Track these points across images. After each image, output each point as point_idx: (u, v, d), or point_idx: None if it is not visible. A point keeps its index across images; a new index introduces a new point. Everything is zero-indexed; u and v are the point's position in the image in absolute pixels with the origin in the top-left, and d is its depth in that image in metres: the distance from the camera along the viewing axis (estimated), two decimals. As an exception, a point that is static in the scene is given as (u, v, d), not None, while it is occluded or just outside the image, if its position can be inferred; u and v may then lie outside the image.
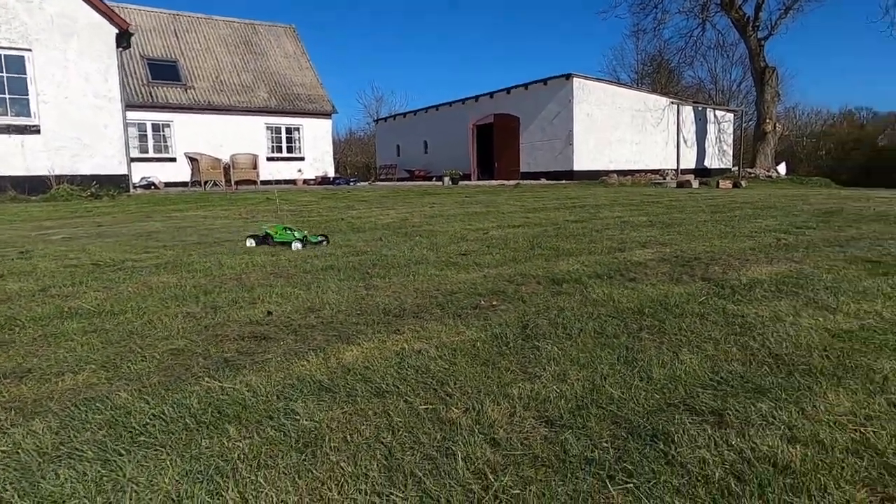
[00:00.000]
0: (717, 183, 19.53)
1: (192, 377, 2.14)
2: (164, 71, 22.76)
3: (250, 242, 5.48)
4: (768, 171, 25.31)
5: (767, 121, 25.80)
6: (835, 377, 2.10)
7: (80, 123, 14.65)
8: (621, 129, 24.15)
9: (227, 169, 18.72)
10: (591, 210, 9.08)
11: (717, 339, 2.53)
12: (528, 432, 1.73)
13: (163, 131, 22.34)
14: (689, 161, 26.22)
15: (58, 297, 3.42)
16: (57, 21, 14.30)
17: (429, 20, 77.83)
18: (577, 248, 5.10)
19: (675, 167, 24.89)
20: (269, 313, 3.01)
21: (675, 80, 36.23)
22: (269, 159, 24.17)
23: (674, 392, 2.00)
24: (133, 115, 20.49)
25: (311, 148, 25.38)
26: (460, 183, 21.26)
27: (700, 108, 27.54)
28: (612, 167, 23.30)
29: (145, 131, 21.96)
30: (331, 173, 25.52)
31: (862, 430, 1.70)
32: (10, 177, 13.81)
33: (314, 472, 1.52)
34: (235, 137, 23.08)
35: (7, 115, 13.90)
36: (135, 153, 20.72)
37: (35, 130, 14.17)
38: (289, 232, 5.44)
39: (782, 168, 26.74)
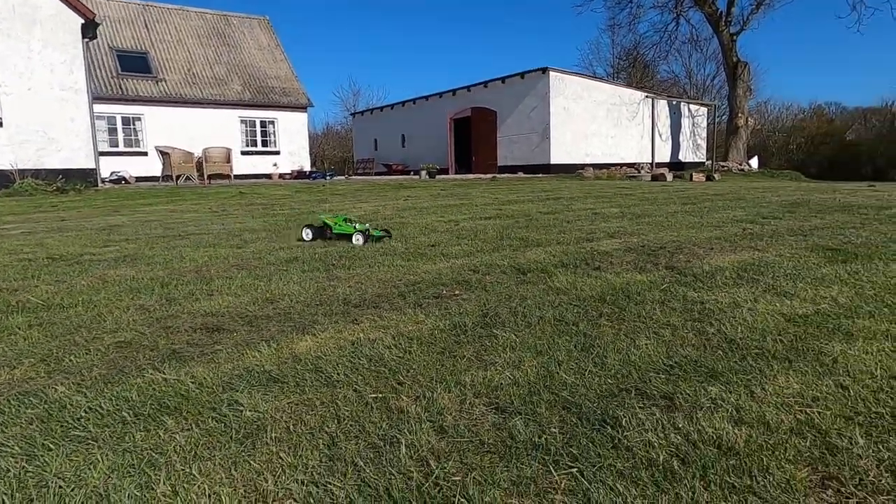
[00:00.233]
0: (691, 176, 19.80)
1: (136, 369, 2.07)
2: (134, 63, 22.22)
3: (307, 233, 5.06)
4: (741, 164, 25.73)
5: (740, 115, 26.20)
6: (786, 360, 2.11)
7: (44, 116, 14.24)
8: (597, 122, 24.31)
9: (199, 163, 18.39)
10: (565, 202, 9.10)
11: (674, 326, 2.54)
12: (477, 419, 1.70)
13: (133, 125, 21.82)
14: (663, 155, 26.52)
15: (5, 292, 3.30)
16: (19, 10, 13.85)
17: (406, 13, 77.32)
18: (546, 238, 5.09)
19: (650, 161, 25.16)
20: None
21: (651, 74, 36.59)
22: (243, 153, 23.79)
23: (627, 377, 1.99)
24: (102, 108, 19.99)
25: (287, 142, 25.05)
26: (438, 177, 21.19)
27: (674, 103, 27.85)
28: (588, 161, 23.45)
29: (115, 125, 21.43)
30: (307, 167, 25.24)
31: (808, 411, 1.71)
32: (-30, 171, 13.38)
33: (252, 462, 1.47)
34: (209, 131, 22.65)
35: (-33, 107, 13.45)
36: (104, 147, 20.22)
37: (-3, 123, 13.73)
38: (349, 224, 4.97)
39: (755, 162, 27.21)
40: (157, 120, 21.87)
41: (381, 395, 1.86)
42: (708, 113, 29.48)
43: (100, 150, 19.29)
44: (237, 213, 8.34)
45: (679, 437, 1.57)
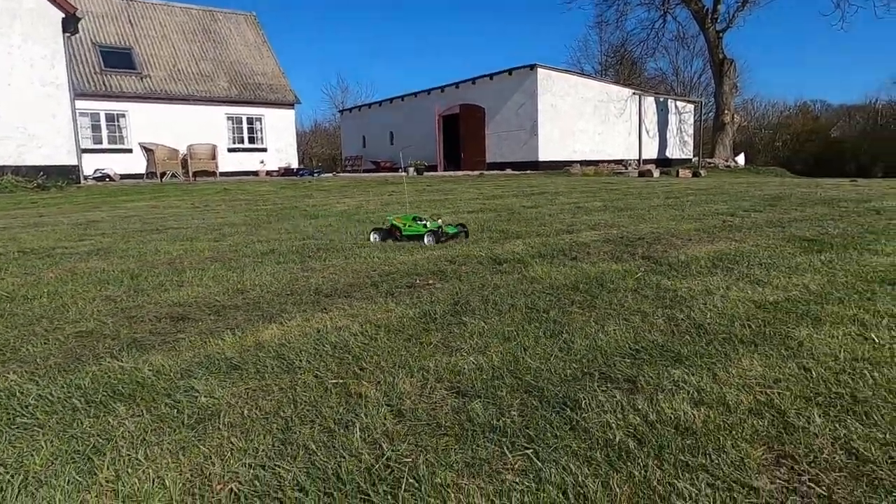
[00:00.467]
0: (677, 172, 19.89)
1: (93, 358, 2.02)
2: (118, 59, 21.92)
3: (374, 237, 4.56)
4: (727, 160, 25.89)
5: (726, 112, 26.36)
6: (752, 344, 2.11)
7: (25, 112, 14.03)
8: (585, 119, 24.36)
9: (185, 160, 18.21)
10: (549, 197, 9.11)
11: (645, 312, 2.53)
12: (437, 403, 1.68)
13: (117, 121, 21.53)
14: (651, 151, 26.64)
15: (-30, 284, 3.23)
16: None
17: (395, 9, 77.03)
18: (527, 230, 5.08)
19: (638, 157, 25.26)
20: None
21: (638, 71, 36.70)
22: (230, 150, 23.57)
23: (592, 362, 1.97)
24: (85, 105, 19.72)
25: (274, 139, 24.86)
26: (426, 174, 21.14)
27: (662, 99, 27.97)
28: (576, 157, 23.49)
29: (99, 121, 21.13)
30: (294, 165, 25.07)
31: (768, 392, 1.70)
32: (-52, 168, 13.16)
33: (201, 447, 1.44)
34: (195, 128, 22.40)
35: (-56, 102, 13.23)
36: (88, 144, 19.95)
37: (-24, 119, 13.52)
38: (419, 223, 4.48)
39: (741, 158, 27.40)
40: (142, 117, 21.60)
41: (341, 381, 1.83)
42: (695, 110, 29.64)
43: (84, 147, 19.06)
44: (219, 208, 8.26)
45: (638, 419, 1.56)
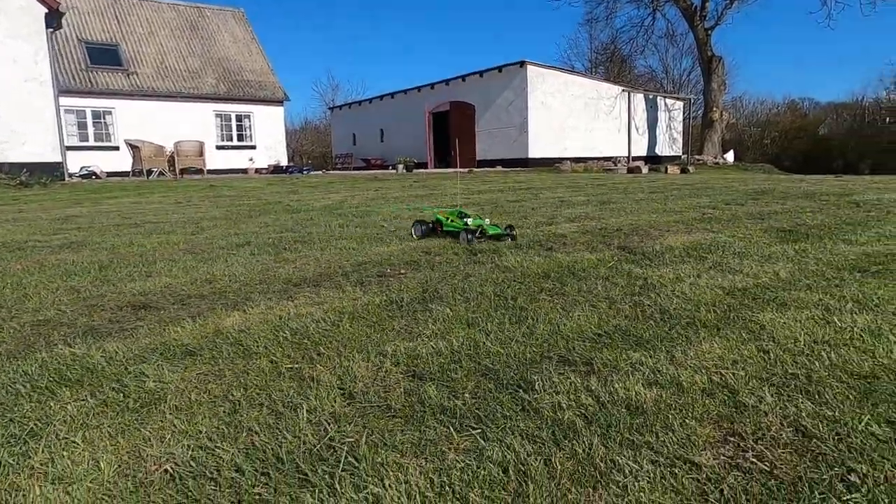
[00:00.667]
0: (666, 169, 19.95)
1: (46, 345, 1.99)
2: (104, 55, 21.71)
3: (416, 230, 4.26)
4: (716, 157, 26.01)
5: (714, 109, 26.46)
6: (715, 328, 2.10)
7: (8, 108, 13.86)
8: (575, 116, 24.38)
9: (172, 157, 18.07)
10: (534, 192, 9.10)
11: (613, 299, 2.52)
12: (391, 386, 1.66)
13: (104, 119, 21.33)
14: (640, 148, 26.70)
15: (-66, 275, 3.17)
16: (-21, -1, 13.46)
17: (384, 5, 76.74)
18: (507, 222, 5.05)
19: (627, 154, 25.32)
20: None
21: (628, 69, 36.79)
22: (218, 148, 23.41)
23: (553, 346, 1.96)
24: (71, 102, 19.53)
25: (263, 136, 24.72)
26: (415, 171, 21.10)
27: (651, 97, 28.04)
28: (566, 154, 23.51)
29: (85, 118, 20.92)
30: (284, 162, 24.94)
31: (723, 372, 1.69)
32: (-71, 165, 12.99)
33: (142, 430, 1.41)
34: (183, 125, 22.23)
35: (-75, 98, 13.05)
36: (73, 141, 19.76)
37: (-43, 115, 13.34)
38: (462, 220, 4.08)
39: (730, 156, 27.53)
40: (129, 114, 21.40)
41: (296, 366, 1.81)
42: (684, 107, 29.74)
43: (69, 144, 18.87)
44: (202, 203, 8.19)
45: (590, 399, 1.54)
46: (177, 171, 17.68)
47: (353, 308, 2.41)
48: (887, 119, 31.67)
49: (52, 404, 1.53)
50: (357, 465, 1.25)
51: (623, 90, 26.09)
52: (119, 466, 1.26)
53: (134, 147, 17.34)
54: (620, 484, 1.17)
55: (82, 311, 2.42)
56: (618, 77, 33.95)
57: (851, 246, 3.68)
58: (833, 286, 2.66)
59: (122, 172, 20.05)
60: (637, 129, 26.51)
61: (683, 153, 27.78)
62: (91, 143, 21.08)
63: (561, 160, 22.38)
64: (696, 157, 25.33)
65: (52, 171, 14.30)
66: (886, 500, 1.10)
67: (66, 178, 15.03)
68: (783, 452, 1.28)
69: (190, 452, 1.30)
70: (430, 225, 4.26)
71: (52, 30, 14.72)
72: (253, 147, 24.69)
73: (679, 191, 8.76)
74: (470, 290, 2.69)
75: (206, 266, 3.35)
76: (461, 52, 72.71)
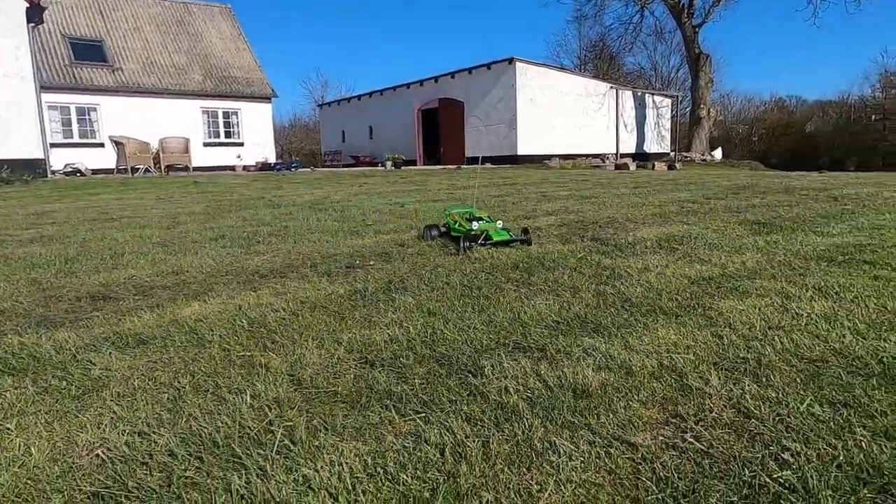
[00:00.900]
0: (653, 166, 20.04)
1: (-4, 334, 1.95)
2: (89, 51, 21.46)
3: (428, 237, 3.77)
4: (703, 154, 26.15)
5: (702, 106, 26.61)
6: (674, 315, 2.11)
7: (-12, 104, 13.68)
8: (563, 114, 24.41)
9: (157, 154, 17.91)
10: (519, 187, 9.10)
11: (577, 288, 2.52)
12: (341, 372, 1.65)
13: (89, 115, 21.09)
14: (628, 145, 26.80)
15: None
16: (-42, -7, 13.26)
17: (373, 3, 76.44)
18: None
19: (615, 151, 25.40)
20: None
21: (617, 66, 36.90)
22: (206, 145, 23.22)
23: (510, 333, 1.95)
24: (54, 98, 19.30)
25: (251, 133, 24.55)
26: (403, 168, 21.05)
27: (639, 94, 28.14)
28: (554, 151, 23.55)
29: (69, 115, 20.67)
30: (272, 159, 24.79)
31: (674, 357, 1.69)
32: None
33: (80, 416, 1.39)
34: (169, 122, 22.02)
35: None
36: (58, 138, 19.54)
37: (-64, 111, 13.15)
38: (470, 223, 3.55)
39: (718, 153, 27.69)
40: (115, 110, 21.17)
41: (248, 354, 1.79)
42: (672, 104, 29.88)
43: (54, 141, 18.67)
44: (183, 199, 8.12)
45: (538, 383, 1.54)
46: (162, 167, 17.52)
47: (315, 298, 2.40)
48: (872, 117, 32.01)
49: (-9, 392, 1.51)
50: (293, 448, 1.24)
51: (611, 87, 26.16)
52: (50, 452, 1.24)
53: (118, 143, 17.16)
54: (554, 464, 1.16)
55: (39, 301, 2.38)
56: (607, 74, 34.05)
57: (822, 237, 3.71)
58: (797, 275, 2.68)
59: (108, 170, 19.84)
60: (625, 127, 26.60)
61: (671, 150, 27.91)
62: (76, 139, 20.84)
63: (549, 157, 22.42)
64: (684, 154, 25.47)
65: (34, 168, 14.14)
66: (816, 477, 1.10)
67: (50, 175, 14.86)
68: (722, 433, 1.28)
69: (125, 438, 1.29)
70: (443, 229, 3.85)
71: (33, 24, 14.53)
72: (241, 144, 24.52)
73: (662, 186, 8.80)
74: (437, 280, 2.68)
75: (175, 258, 3.32)
76: (450, 49, 72.59)
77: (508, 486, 1.09)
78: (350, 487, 1.09)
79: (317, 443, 1.26)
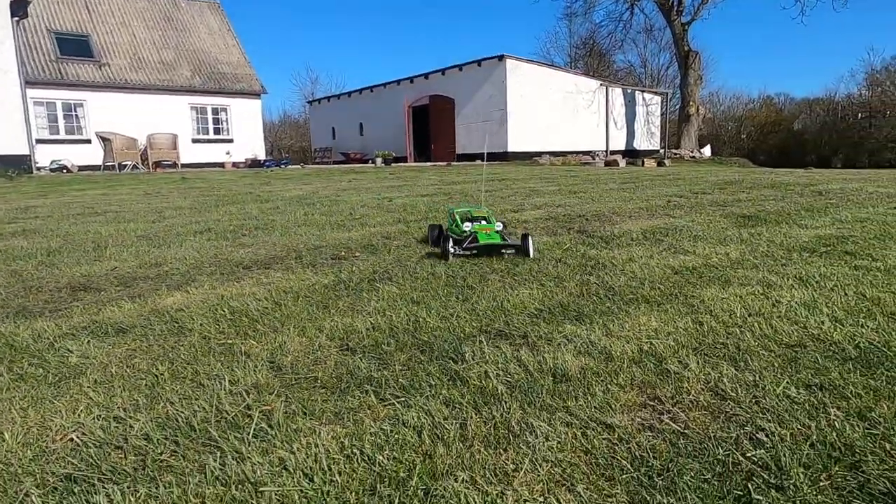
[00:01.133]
0: (643, 162, 20.14)
1: (-27, 324, 1.93)
2: (75, 46, 21.21)
3: (432, 237, 3.38)
4: (692, 152, 26.31)
5: (691, 104, 26.75)
6: (656, 303, 2.12)
7: (-29, 99, 13.48)
8: (554, 111, 24.45)
9: (145, 150, 17.74)
10: (508, 182, 9.12)
11: (561, 278, 2.52)
12: (322, 359, 1.64)
13: (75, 111, 20.85)
14: (618, 142, 26.89)
15: None
16: (-61, -15, 13.04)
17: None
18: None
19: (605, 148, 25.49)
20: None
21: (607, 63, 37.01)
22: (194, 141, 23.04)
23: (493, 321, 1.96)
24: (39, 93, 19.06)
25: (240, 129, 24.38)
26: (393, 164, 21.00)
27: (629, 91, 28.24)
28: (545, 148, 23.59)
29: (55, 111, 20.43)
30: (261, 156, 24.64)
31: (654, 343, 1.70)
32: None
33: (56, 402, 1.37)
34: (158, 118, 21.80)
35: None
36: (44, 135, 19.31)
37: (-82, 106, 12.94)
38: (463, 223, 3.16)
39: (707, 150, 27.86)
40: (102, 106, 20.93)
41: (229, 342, 1.78)
42: (661, 102, 30.01)
43: (40, 137, 18.44)
44: (170, 195, 8.06)
45: (518, 368, 1.54)
46: (150, 164, 17.36)
47: (298, 288, 2.39)
48: (859, 115, 32.34)
49: (-35, 379, 1.49)
50: (270, 431, 1.23)
51: (601, 84, 26.25)
52: (24, 437, 1.22)
53: (105, 139, 16.98)
54: (531, 444, 1.17)
55: (19, 292, 2.36)
56: (597, 72, 34.14)
57: (806, 230, 3.74)
58: (779, 265, 2.70)
59: (95, 166, 19.63)
60: (615, 124, 26.69)
61: (661, 147, 28.05)
62: (62, 136, 20.61)
63: (540, 154, 22.46)
64: (674, 151, 25.60)
65: (19, 165, 13.97)
66: (789, 454, 1.11)
67: (35, 172, 14.68)
68: (698, 414, 1.29)
69: (100, 423, 1.27)
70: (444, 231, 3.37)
71: (17, 18, 14.34)
72: (230, 141, 24.35)
73: (651, 182, 8.84)
74: (421, 270, 2.68)
75: (159, 251, 3.29)
76: (441, 46, 72.44)
77: (484, 466, 1.10)
78: (326, 468, 1.09)
79: (294, 426, 1.26)
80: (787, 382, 1.43)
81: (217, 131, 24.40)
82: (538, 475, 1.07)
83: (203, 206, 6.11)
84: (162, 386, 1.47)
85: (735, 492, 1.02)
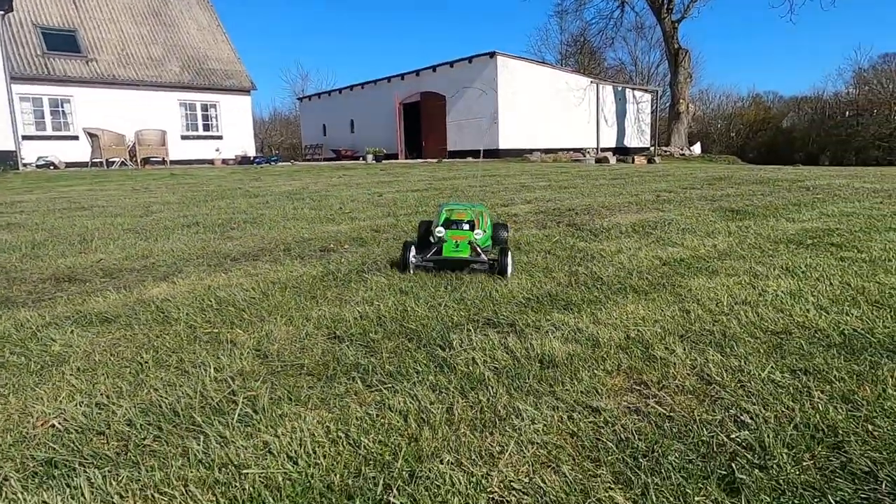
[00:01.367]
0: (633, 159, 20.22)
1: (-46, 314, 1.90)
2: (61, 41, 20.95)
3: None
4: (682, 149, 26.46)
5: (681, 101, 26.89)
6: (644, 293, 2.13)
7: (-45, 94, 13.29)
8: (545, 108, 24.49)
9: (133, 146, 17.58)
10: (499, 178, 9.12)
11: (550, 269, 2.53)
12: (309, 347, 1.63)
13: (62, 107, 20.60)
14: (609, 139, 27.00)
15: None
16: (-78, -22, 12.82)
17: (358, -1, 75.62)
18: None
19: (596, 145, 25.57)
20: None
21: (598, 61, 37.11)
22: (184, 138, 22.85)
23: (481, 310, 1.95)
24: (25, 89, 18.82)
25: (230, 126, 24.21)
26: (384, 161, 20.96)
27: (619, 89, 28.34)
28: (536, 145, 23.63)
29: (42, 107, 20.17)
30: (251, 153, 24.49)
31: (641, 330, 1.71)
32: None
33: (37, 390, 1.36)
34: (146, 115, 21.60)
35: None
36: (31, 131, 19.06)
37: None
38: (442, 226, 2.64)
39: (697, 147, 28.03)
40: (89, 102, 20.70)
41: (214, 330, 1.76)
42: (652, 99, 30.15)
43: (26, 133, 18.22)
44: (158, 190, 7.99)
45: (505, 355, 1.54)
46: (138, 160, 17.21)
47: (286, 279, 2.37)
48: (846, 113, 32.65)
49: (-56, 367, 1.46)
50: (254, 416, 1.22)
51: (592, 82, 26.31)
52: (4, 423, 1.21)
53: (93, 136, 16.80)
54: (517, 427, 1.17)
55: (1, 283, 2.33)
56: (587, 69, 34.22)
57: (793, 223, 3.77)
58: (766, 256, 2.72)
59: (82, 163, 19.42)
60: (606, 121, 26.78)
61: (651, 145, 28.18)
62: (49, 132, 20.36)
63: (531, 151, 22.50)
64: (664, 148, 25.74)
65: (5, 161, 13.80)
66: (772, 436, 1.12)
67: (21, 168, 14.51)
68: (684, 398, 1.30)
69: (82, 409, 1.26)
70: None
71: (3, 13, 14.15)
72: (219, 137, 24.17)
73: (640, 178, 8.88)
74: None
75: (146, 244, 3.26)
76: (432, 43, 72.24)
77: (470, 448, 1.09)
78: (311, 451, 1.08)
79: (280, 412, 1.25)
80: (772, 367, 1.44)
81: (206, 128, 24.22)
82: (524, 457, 1.07)
83: (192, 201, 6.06)
84: (146, 373, 1.45)
85: (719, 471, 1.02)
